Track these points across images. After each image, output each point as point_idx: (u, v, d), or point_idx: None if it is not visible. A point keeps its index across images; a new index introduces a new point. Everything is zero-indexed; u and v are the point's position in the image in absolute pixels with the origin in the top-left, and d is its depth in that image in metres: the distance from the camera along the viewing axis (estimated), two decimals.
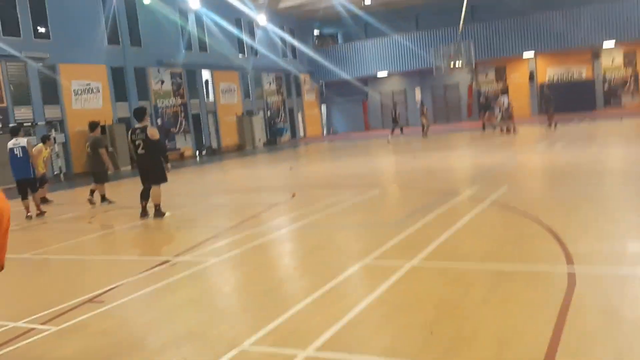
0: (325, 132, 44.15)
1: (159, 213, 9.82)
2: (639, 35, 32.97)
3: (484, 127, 26.55)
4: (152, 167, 9.67)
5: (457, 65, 30.38)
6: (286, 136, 38.13)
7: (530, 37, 35.41)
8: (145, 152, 9.56)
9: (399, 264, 5.55)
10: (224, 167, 22.78)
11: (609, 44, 34.34)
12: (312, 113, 42.68)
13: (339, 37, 44.70)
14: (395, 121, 27.37)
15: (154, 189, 9.76)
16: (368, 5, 37.54)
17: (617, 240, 5.82)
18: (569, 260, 5.19)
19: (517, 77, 38.56)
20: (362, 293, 4.80)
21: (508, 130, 23.54)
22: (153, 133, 9.61)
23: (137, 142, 9.60)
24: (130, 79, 27.34)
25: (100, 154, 12.18)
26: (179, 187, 15.99)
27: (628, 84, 35.64)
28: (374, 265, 5.67)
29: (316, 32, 43.01)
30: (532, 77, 37.80)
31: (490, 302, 4.36)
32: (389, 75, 41.38)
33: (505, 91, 25.22)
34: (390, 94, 42.74)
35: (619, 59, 35.69)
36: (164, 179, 9.82)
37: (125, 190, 15.79)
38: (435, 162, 16.10)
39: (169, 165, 9.93)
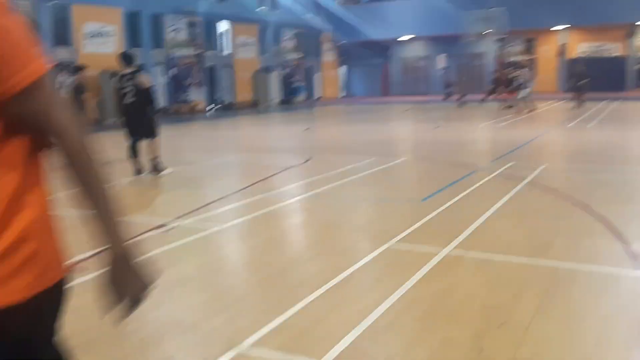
0: (342, 94, 42.90)
1: (158, 166, 8.91)
2: None
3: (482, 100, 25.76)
4: (143, 118, 8.63)
5: (488, 33, 28.88)
6: (302, 96, 37.00)
7: (563, 8, 33.61)
8: (134, 101, 8.51)
9: (431, 251, 4.72)
10: (236, 124, 21.90)
11: None
12: (331, 74, 41.33)
13: None
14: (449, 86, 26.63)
15: (153, 143, 8.80)
16: None
17: None
18: (637, 262, 4.33)
19: (547, 51, 36.91)
20: (388, 286, 3.98)
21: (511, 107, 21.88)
22: (146, 80, 8.64)
23: (125, 90, 8.54)
24: (146, 25, 26.26)
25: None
26: (188, 142, 15.20)
27: None
28: (401, 250, 4.85)
29: None
30: (562, 51, 36.15)
31: (550, 311, 3.53)
32: (413, 39, 39.80)
33: (526, 64, 23.59)
34: (413, 59, 41.25)
35: None
36: (151, 134, 8.74)
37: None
38: (461, 133, 15.11)
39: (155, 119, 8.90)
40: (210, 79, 30.18)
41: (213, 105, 29.88)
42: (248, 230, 5.79)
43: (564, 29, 35.30)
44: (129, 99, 8.52)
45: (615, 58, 34.70)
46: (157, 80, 26.76)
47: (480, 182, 7.67)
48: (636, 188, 7.28)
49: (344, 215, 6.39)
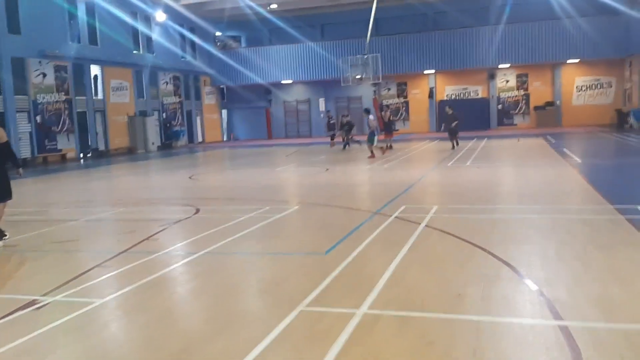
0: (225, 138, 42.28)
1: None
2: (531, 59, 34.61)
3: (344, 146, 25.35)
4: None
5: (365, 77, 30.01)
6: (183, 140, 35.91)
7: (431, 54, 36.10)
8: None
9: (346, 312, 4.37)
10: (112, 172, 20.48)
11: (504, 65, 35.76)
12: (212, 117, 40.67)
13: (243, 40, 43.18)
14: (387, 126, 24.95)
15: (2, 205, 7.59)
16: (274, 10, 36.40)
17: (597, 284, 4.97)
18: (554, 310, 4.26)
19: (418, 94, 39.15)
20: None
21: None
22: (1, 134, 7.54)
23: None
24: (6, 70, 24.10)
25: None
26: (57, 196, 13.82)
27: (520, 105, 37.29)
28: (314, 314, 4.43)
29: (219, 33, 41.13)
30: (431, 94, 38.52)
31: None
32: (294, 83, 40.47)
33: (368, 110, 22.77)
34: (294, 102, 41.85)
35: (512, 81, 37.27)
36: (8, 195, 7.65)
37: None
38: (349, 176, 15.17)
39: (21, 170, 7.85)
40: (81, 126, 28.28)
41: (85, 152, 27.93)
42: (136, 302, 5.07)
43: (432, 73, 37.71)
44: None
45: (480, 99, 37.61)
46: (20, 129, 24.57)
47: (379, 229, 7.51)
48: (526, 227, 7.49)
49: (245, 276, 5.87)
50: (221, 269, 6.12)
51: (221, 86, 40.73)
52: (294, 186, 13.86)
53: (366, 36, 34.64)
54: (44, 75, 25.84)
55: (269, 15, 36.96)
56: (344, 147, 25.44)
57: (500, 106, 37.59)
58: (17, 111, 24.52)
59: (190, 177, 16.24)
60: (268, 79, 38.86)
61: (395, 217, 8.29)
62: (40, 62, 25.55)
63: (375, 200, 10.55)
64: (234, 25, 40.23)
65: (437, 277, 5.33)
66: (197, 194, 12.83)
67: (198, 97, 38.85)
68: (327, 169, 16.65)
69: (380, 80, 33.59)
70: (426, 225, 7.56)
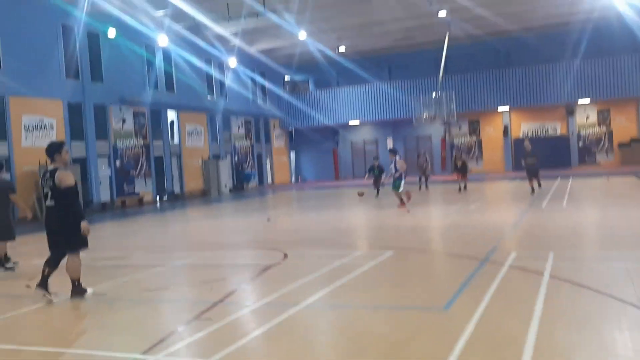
0: (293, 179, 42.27)
1: (78, 290, 6.99)
2: (613, 94, 32.83)
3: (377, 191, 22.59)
4: (63, 225, 6.82)
5: (437, 116, 29.25)
6: (254, 183, 36.06)
7: (505, 91, 34.91)
8: (53, 206, 6.84)
9: None
10: (190, 215, 20.47)
11: (583, 101, 34.10)
12: (281, 159, 40.85)
13: (311, 83, 43.53)
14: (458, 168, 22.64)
15: (70, 259, 6.93)
16: (342, 53, 36.54)
17: None
18: None
19: (491, 131, 37.87)
20: None
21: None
22: (64, 177, 6.75)
23: (45, 190, 6.90)
24: (89, 116, 24.97)
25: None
26: (139, 239, 13.69)
27: (602, 142, 35.30)
28: None
29: (287, 77, 41.67)
30: (506, 131, 37.15)
31: None
32: (361, 124, 40.17)
33: (395, 151, 17.95)
34: (362, 143, 41.48)
35: (593, 117, 35.45)
36: (84, 244, 6.98)
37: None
38: (435, 218, 14.32)
39: (85, 224, 6.84)
40: (157, 169, 28.82)
41: (161, 195, 28.33)
42: None
43: (506, 110, 36.40)
44: (49, 202, 6.91)
45: (559, 136, 35.86)
46: (101, 173, 25.23)
47: (498, 280, 6.65)
48: None
49: (361, 335, 5.12)
50: (330, 325, 5.46)
51: (290, 128, 40.99)
52: (379, 229, 13.12)
53: (434, 75, 34.07)
54: (124, 121, 26.62)
55: (337, 58, 37.15)
56: (377, 194, 22.43)
57: (581, 143, 35.74)
58: (98, 156, 25.23)
59: (268, 219, 15.82)
60: (336, 120, 38.75)
61: (510, 265, 7.41)
62: (120, 108, 26.38)
63: (476, 245, 9.64)
64: (303, 68, 40.65)
65: (595, 341, 4.45)
66: (279, 237, 12.33)
67: (268, 139, 39.18)
68: (409, 211, 15.81)
69: (454, 119, 32.75)
70: (551, 276, 6.65)
